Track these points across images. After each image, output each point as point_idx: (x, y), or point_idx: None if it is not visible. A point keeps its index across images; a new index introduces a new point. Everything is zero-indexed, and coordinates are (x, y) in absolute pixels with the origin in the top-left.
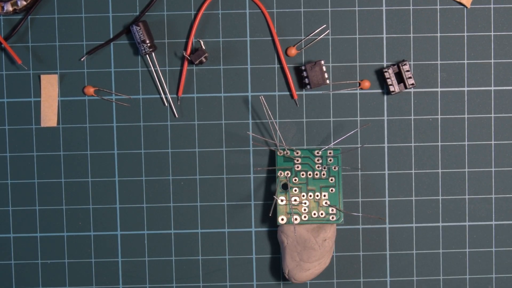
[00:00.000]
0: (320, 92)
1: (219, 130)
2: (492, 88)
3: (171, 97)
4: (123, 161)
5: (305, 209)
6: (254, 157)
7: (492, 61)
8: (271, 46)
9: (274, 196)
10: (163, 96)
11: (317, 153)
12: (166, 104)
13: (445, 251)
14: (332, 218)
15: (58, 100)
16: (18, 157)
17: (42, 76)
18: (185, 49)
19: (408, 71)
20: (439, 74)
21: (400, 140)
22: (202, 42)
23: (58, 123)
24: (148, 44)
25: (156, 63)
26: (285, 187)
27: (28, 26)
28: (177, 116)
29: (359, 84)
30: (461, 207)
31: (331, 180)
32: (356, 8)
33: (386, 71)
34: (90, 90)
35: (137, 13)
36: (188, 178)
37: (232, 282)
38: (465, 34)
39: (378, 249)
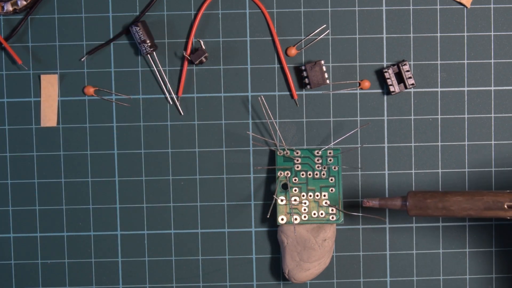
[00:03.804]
0: (320, 92)
1: (219, 130)
2: (492, 88)
3: (170, 97)
4: (123, 161)
5: (305, 209)
6: (254, 157)
7: (492, 61)
8: (271, 46)
9: (274, 196)
10: (167, 95)
11: (317, 153)
12: (171, 103)
13: (445, 251)
14: (332, 218)
15: (58, 100)
16: (18, 157)
17: (42, 76)
18: (185, 49)
19: (408, 71)
20: (439, 74)
21: (400, 140)
22: (202, 42)
23: (58, 123)
24: (149, 44)
25: (158, 63)
26: (285, 187)
27: (28, 26)
28: (182, 113)
29: (359, 84)
30: None
31: (331, 180)
32: (356, 8)
33: (386, 71)
34: (90, 90)
35: (137, 13)
36: (188, 178)
37: (232, 282)
38: (465, 34)
39: (378, 249)
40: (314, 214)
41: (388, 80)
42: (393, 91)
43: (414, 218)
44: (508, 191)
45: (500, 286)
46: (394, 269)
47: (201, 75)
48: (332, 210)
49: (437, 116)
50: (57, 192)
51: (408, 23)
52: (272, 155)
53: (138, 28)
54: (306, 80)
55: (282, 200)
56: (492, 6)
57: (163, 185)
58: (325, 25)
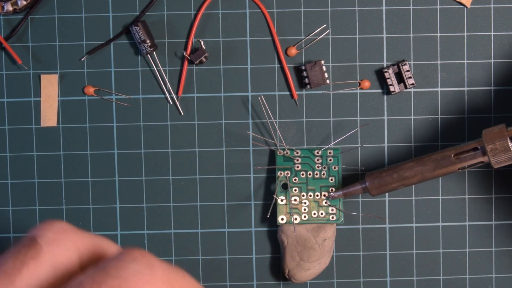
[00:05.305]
0: (320, 92)
1: (219, 130)
2: (492, 88)
3: (170, 97)
4: (123, 161)
5: (305, 209)
6: (254, 157)
7: (492, 61)
8: (271, 46)
9: (274, 196)
10: (167, 95)
11: (317, 153)
12: (171, 103)
13: (445, 251)
14: (332, 218)
15: (58, 100)
16: (18, 157)
17: (42, 76)
18: (185, 49)
19: (408, 71)
20: (439, 74)
21: (400, 140)
22: (202, 42)
23: (58, 123)
24: (149, 44)
25: (158, 62)
26: (285, 187)
27: (28, 26)
28: (182, 113)
29: (359, 84)
30: (461, 207)
31: (331, 180)
32: (356, 8)
33: (386, 71)
34: (90, 90)
35: (137, 13)
36: (188, 178)
37: (232, 282)
38: (465, 34)
39: (378, 249)
40: (314, 214)
41: (388, 80)
42: (393, 91)
43: (414, 217)
44: (453, 146)
45: (500, 286)
46: (394, 269)
47: (201, 75)
48: (332, 210)
49: (437, 116)
50: (57, 192)
51: (408, 23)
52: (272, 155)
53: (138, 28)
54: (306, 80)
55: (282, 200)
56: (492, 6)
57: (163, 185)
58: (325, 25)
